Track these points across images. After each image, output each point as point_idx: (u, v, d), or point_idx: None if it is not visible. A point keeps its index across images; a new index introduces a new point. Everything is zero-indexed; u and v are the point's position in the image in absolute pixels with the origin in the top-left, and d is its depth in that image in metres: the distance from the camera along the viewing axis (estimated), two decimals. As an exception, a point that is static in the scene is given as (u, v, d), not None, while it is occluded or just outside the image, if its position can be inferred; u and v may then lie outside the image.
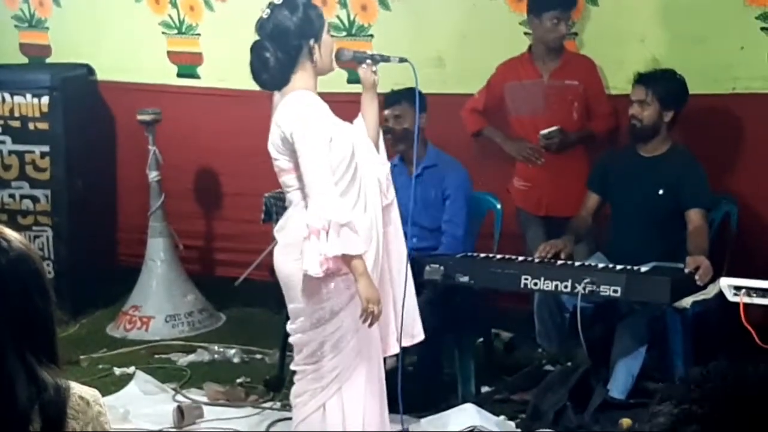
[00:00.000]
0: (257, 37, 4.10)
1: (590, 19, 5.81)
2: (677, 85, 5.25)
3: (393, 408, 4.61)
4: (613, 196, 5.42)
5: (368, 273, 3.98)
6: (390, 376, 5.55)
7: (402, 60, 4.22)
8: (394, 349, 4.34)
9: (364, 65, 4.19)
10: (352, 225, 3.92)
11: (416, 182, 5.47)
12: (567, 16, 5.61)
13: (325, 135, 3.96)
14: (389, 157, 5.56)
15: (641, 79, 5.25)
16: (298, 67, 4.03)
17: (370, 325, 4.01)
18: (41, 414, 2.00)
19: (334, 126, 4.03)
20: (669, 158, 5.26)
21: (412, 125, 5.39)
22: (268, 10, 4.05)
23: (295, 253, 4.02)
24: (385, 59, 4.24)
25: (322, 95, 4.11)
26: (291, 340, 4.26)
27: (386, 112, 5.42)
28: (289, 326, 4.24)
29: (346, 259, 3.93)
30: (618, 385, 4.98)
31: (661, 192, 5.21)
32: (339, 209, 3.91)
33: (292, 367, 4.33)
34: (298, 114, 3.95)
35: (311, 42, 4.03)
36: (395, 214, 4.32)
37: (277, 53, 4.00)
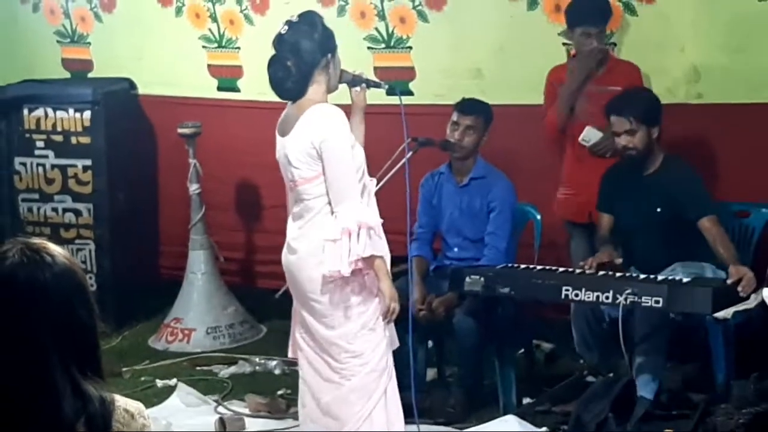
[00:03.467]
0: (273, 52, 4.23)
1: (629, 28, 5.79)
2: (650, 98, 5.21)
3: (432, 416, 4.64)
4: (619, 215, 5.32)
5: (389, 273, 4.17)
6: (430, 387, 5.57)
7: (391, 89, 4.64)
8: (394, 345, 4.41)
9: (357, 88, 4.40)
10: (377, 228, 4.11)
11: (462, 192, 5.49)
12: (598, 30, 5.58)
13: (349, 143, 4.12)
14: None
15: (614, 110, 5.15)
16: (314, 79, 4.18)
17: (389, 322, 4.21)
18: (87, 427, 2.01)
19: (351, 135, 4.19)
20: (665, 172, 5.17)
21: (478, 138, 5.42)
22: (286, 27, 4.20)
23: (318, 257, 4.12)
24: (377, 85, 4.49)
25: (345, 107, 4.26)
26: (327, 335, 4.22)
27: (455, 117, 5.47)
28: (325, 330, 4.23)
29: (371, 260, 4.07)
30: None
31: (659, 210, 5.13)
32: (367, 212, 4.11)
33: (340, 366, 4.22)
34: (327, 125, 4.09)
35: (328, 56, 4.20)
36: None
37: (299, 65, 4.15)
